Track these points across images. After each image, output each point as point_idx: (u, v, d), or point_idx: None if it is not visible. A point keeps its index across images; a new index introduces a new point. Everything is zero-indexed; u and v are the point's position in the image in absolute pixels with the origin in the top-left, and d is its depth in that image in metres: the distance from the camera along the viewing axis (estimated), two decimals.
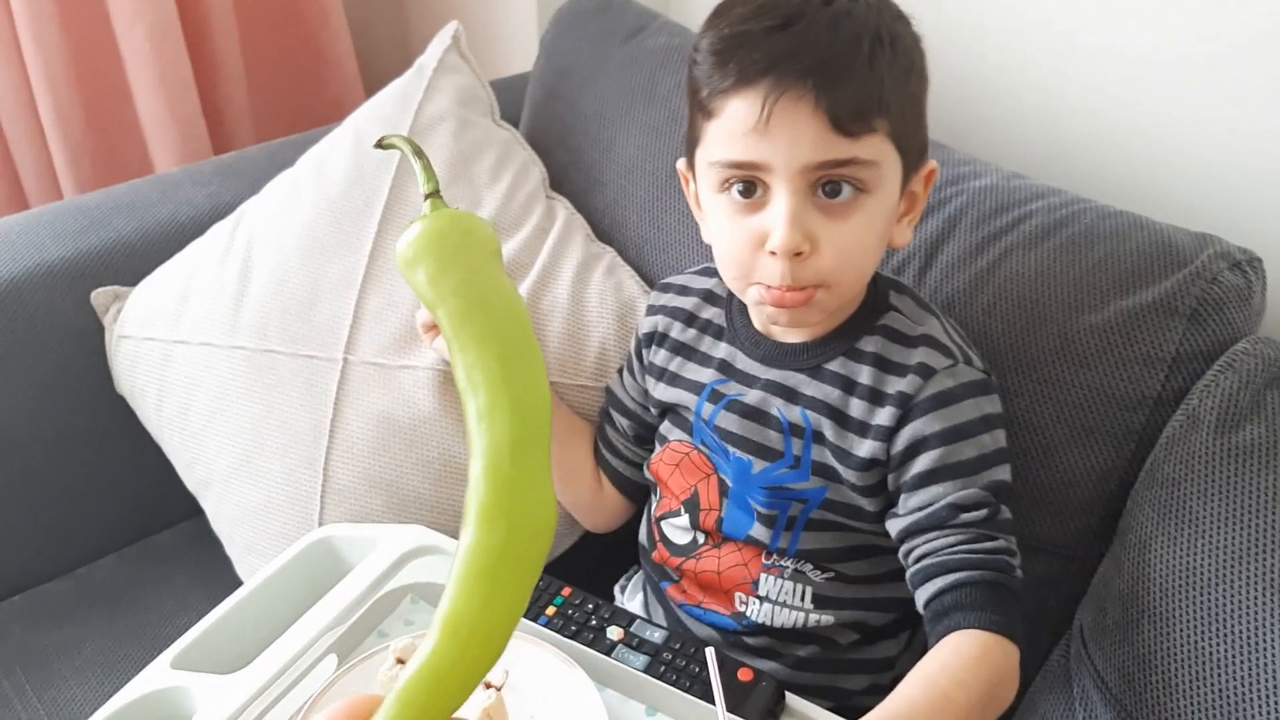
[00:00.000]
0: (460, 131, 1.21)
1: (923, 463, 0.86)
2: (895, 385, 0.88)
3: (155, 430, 1.19)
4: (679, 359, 1.00)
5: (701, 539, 0.98)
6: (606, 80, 1.28)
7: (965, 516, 0.84)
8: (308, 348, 1.11)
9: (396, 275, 1.12)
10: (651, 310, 1.04)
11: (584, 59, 1.30)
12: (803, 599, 0.94)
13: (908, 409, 0.87)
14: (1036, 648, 0.99)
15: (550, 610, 0.87)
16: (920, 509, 0.86)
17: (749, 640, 0.96)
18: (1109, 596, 0.88)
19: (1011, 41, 1.20)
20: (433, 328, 1.05)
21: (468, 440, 0.39)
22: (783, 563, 0.94)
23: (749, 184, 0.84)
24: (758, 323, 0.94)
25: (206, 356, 1.13)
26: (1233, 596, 0.79)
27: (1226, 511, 0.82)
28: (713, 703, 0.78)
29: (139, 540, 1.31)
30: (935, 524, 0.85)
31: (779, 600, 0.94)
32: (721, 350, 0.98)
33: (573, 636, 0.85)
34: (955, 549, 0.84)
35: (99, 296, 1.21)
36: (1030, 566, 0.96)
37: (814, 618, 0.94)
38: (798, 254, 0.83)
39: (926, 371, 0.88)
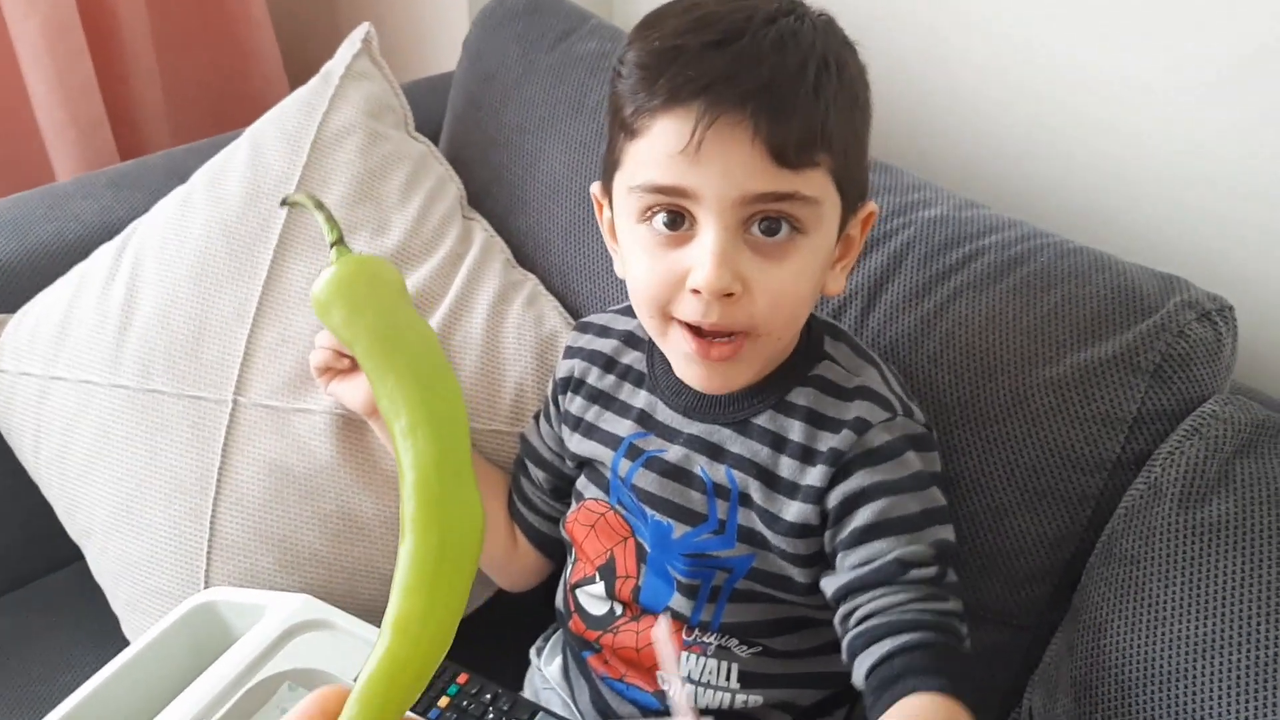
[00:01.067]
0: (369, 146, 1.11)
1: (863, 516, 0.78)
2: (828, 442, 0.79)
3: (33, 471, 1.09)
4: (596, 408, 0.91)
5: (619, 610, 0.89)
6: (532, 88, 1.18)
7: (915, 573, 0.76)
8: (194, 387, 1.01)
9: (293, 307, 1.03)
10: (569, 353, 0.95)
11: (509, 64, 1.21)
12: (728, 678, 0.86)
13: (840, 466, 0.79)
14: None
15: (443, 701, 0.79)
16: (863, 564, 0.77)
17: None
18: (1060, 681, 0.81)
19: (971, 58, 1.12)
20: (326, 372, 0.95)
21: (396, 459, 0.44)
22: (705, 639, 0.85)
23: (675, 214, 0.75)
24: (678, 369, 0.84)
25: (86, 395, 1.03)
26: (1195, 694, 0.71)
27: (1190, 596, 0.74)
28: None
29: (27, 584, 1.20)
30: (882, 580, 0.76)
31: (702, 681, 0.86)
32: (641, 399, 0.89)
33: None
34: (906, 607, 0.75)
35: None
36: (978, 636, 0.88)
37: (741, 698, 0.85)
38: (727, 295, 0.74)
39: (862, 426, 0.79)
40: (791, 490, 0.81)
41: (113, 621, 1.06)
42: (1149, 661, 0.74)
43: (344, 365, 0.94)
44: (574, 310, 1.10)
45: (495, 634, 1.05)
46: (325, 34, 1.77)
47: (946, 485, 0.82)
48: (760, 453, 0.82)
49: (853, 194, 0.79)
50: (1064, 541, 0.86)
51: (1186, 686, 0.72)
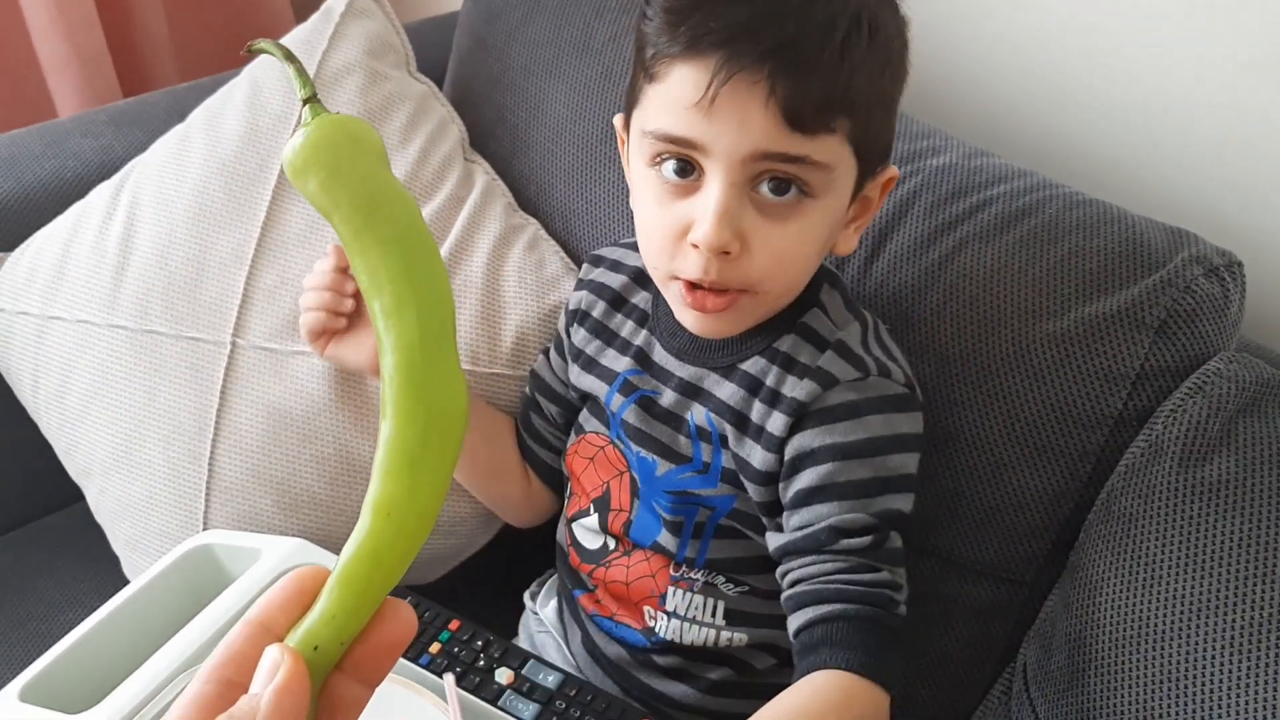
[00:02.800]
0: (369, 85, 1.09)
1: (807, 478, 0.78)
2: (793, 389, 0.79)
3: (32, 410, 1.09)
4: (598, 342, 0.91)
5: (612, 544, 0.90)
6: (537, 28, 1.15)
7: (847, 543, 0.76)
8: (192, 329, 1.00)
9: (293, 248, 1.02)
10: (579, 284, 0.95)
11: (515, 5, 1.18)
12: (714, 614, 0.86)
13: (799, 417, 0.78)
14: (979, 677, 0.91)
15: (435, 648, 0.79)
16: (800, 528, 0.77)
17: (659, 659, 0.88)
18: (1055, 637, 0.80)
19: (986, 5, 1.09)
20: (321, 335, 0.93)
21: (377, 338, 0.42)
22: (692, 574, 0.86)
23: (684, 163, 0.74)
24: (675, 312, 0.83)
25: (84, 335, 1.03)
26: (1188, 654, 0.71)
27: (1187, 556, 0.73)
28: None
29: (27, 523, 1.21)
30: (812, 547, 0.76)
31: (688, 616, 0.86)
32: (641, 338, 0.89)
33: (457, 680, 0.76)
34: (831, 578, 0.75)
35: None
36: (975, 592, 0.89)
37: (726, 635, 0.85)
38: (725, 253, 0.73)
39: (827, 380, 0.78)
40: (758, 434, 0.81)
41: (114, 560, 1.06)
42: (1144, 620, 0.74)
43: (340, 325, 0.93)
44: (575, 255, 1.08)
45: (490, 580, 1.06)
46: None
47: (925, 448, 0.81)
48: (737, 396, 0.82)
49: (873, 158, 0.77)
50: (1063, 498, 0.85)
51: (1180, 646, 0.71)
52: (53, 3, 1.39)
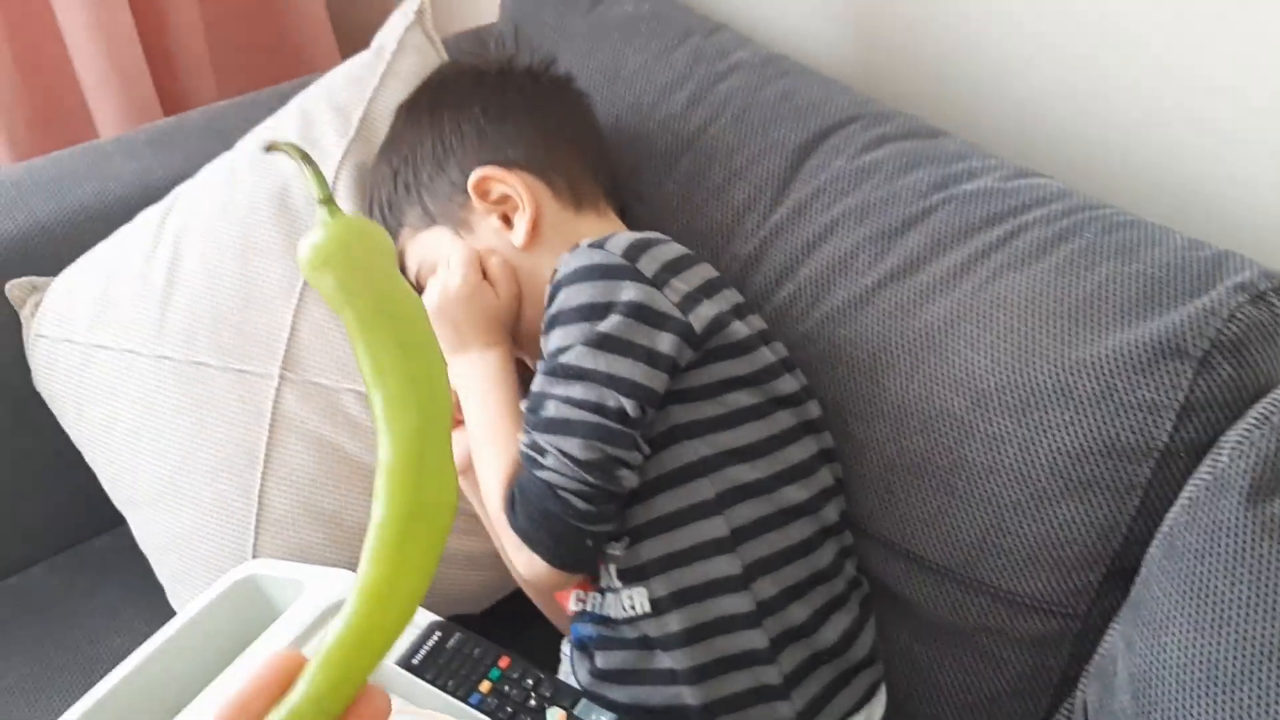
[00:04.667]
0: None
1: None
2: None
3: (76, 439, 1.10)
4: None
5: None
6: (568, 55, 1.15)
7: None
8: (241, 361, 1.01)
9: None
10: None
11: (545, 30, 1.18)
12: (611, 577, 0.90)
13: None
14: (1035, 711, 0.91)
15: (485, 686, 0.79)
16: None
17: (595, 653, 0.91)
18: (1118, 676, 0.79)
19: (1025, 21, 1.07)
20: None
21: (375, 427, 0.44)
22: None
23: None
24: None
25: (129, 365, 1.04)
26: (1260, 698, 0.69)
27: (1258, 596, 0.71)
28: None
29: (73, 546, 1.23)
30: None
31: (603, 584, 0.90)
32: None
33: (508, 719, 0.77)
34: None
35: (14, 289, 1.11)
36: (1025, 625, 0.89)
37: (628, 597, 0.88)
38: None
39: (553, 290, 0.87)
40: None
41: (160, 585, 1.07)
42: (1213, 663, 0.72)
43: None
44: None
45: (531, 620, 1.06)
46: None
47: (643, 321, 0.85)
48: None
49: (444, 212, 0.97)
50: (1113, 530, 0.84)
51: (1252, 691, 0.70)
52: (92, 20, 1.40)
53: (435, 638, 0.83)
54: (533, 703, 0.78)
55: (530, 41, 1.20)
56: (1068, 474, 0.85)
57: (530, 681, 0.80)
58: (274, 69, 1.62)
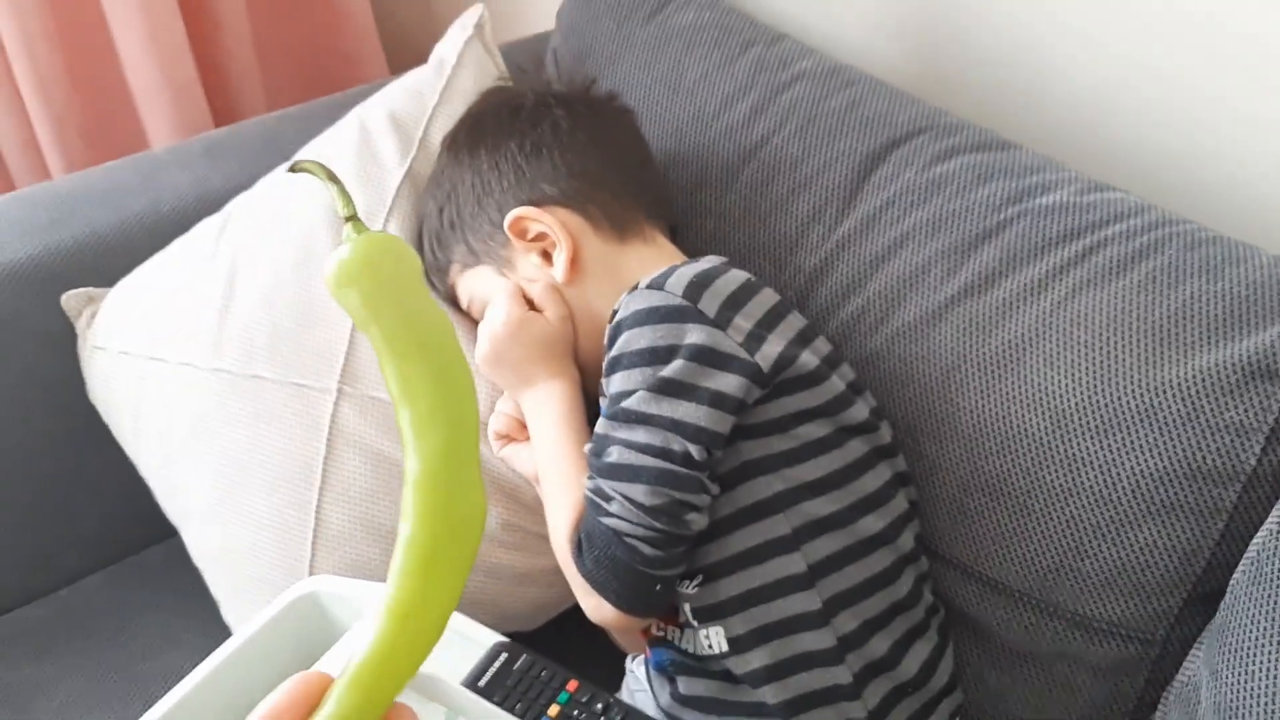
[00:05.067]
0: None
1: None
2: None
3: (132, 452, 1.10)
4: None
5: None
6: (627, 65, 1.14)
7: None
8: (298, 375, 1.00)
9: None
10: None
11: (603, 40, 1.17)
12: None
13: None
14: None
15: (553, 710, 0.78)
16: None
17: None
18: (1201, 705, 0.77)
19: (1098, 30, 1.05)
20: (503, 438, 0.97)
21: (403, 444, 0.44)
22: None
23: None
24: None
25: (186, 378, 1.03)
26: None
27: None
28: None
29: (127, 557, 1.22)
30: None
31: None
32: None
33: None
34: None
35: (70, 300, 1.11)
36: (1102, 650, 0.86)
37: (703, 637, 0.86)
38: None
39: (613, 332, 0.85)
40: None
41: (214, 598, 1.06)
42: None
43: (524, 437, 0.95)
44: None
45: (588, 639, 1.04)
46: None
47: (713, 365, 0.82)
48: None
49: (487, 250, 0.96)
50: (1195, 555, 0.82)
51: None
52: (145, 32, 1.40)
53: (502, 659, 0.81)
54: None
55: (587, 51, 1.18)
56: (1150, 497, 0.82)
57: (600, 705, 0.78)
58: (322, 80, 1.61)
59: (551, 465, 0.89)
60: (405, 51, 1.14)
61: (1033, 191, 0.94)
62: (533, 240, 0.94)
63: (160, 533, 1.20)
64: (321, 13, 1.63)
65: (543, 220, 0.93)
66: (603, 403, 0.85)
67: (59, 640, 1.13)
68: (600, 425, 0.84)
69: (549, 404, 0.91)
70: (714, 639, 0.84)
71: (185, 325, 1.04)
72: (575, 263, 0.93)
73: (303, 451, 0.98)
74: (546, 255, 0.94)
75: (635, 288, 0.86)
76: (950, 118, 1.03)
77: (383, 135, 1.07)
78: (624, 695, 1.00)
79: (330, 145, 1.10)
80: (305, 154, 1.12)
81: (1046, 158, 0.98)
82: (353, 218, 0.47)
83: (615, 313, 0.86)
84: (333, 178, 0.48)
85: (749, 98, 1.06)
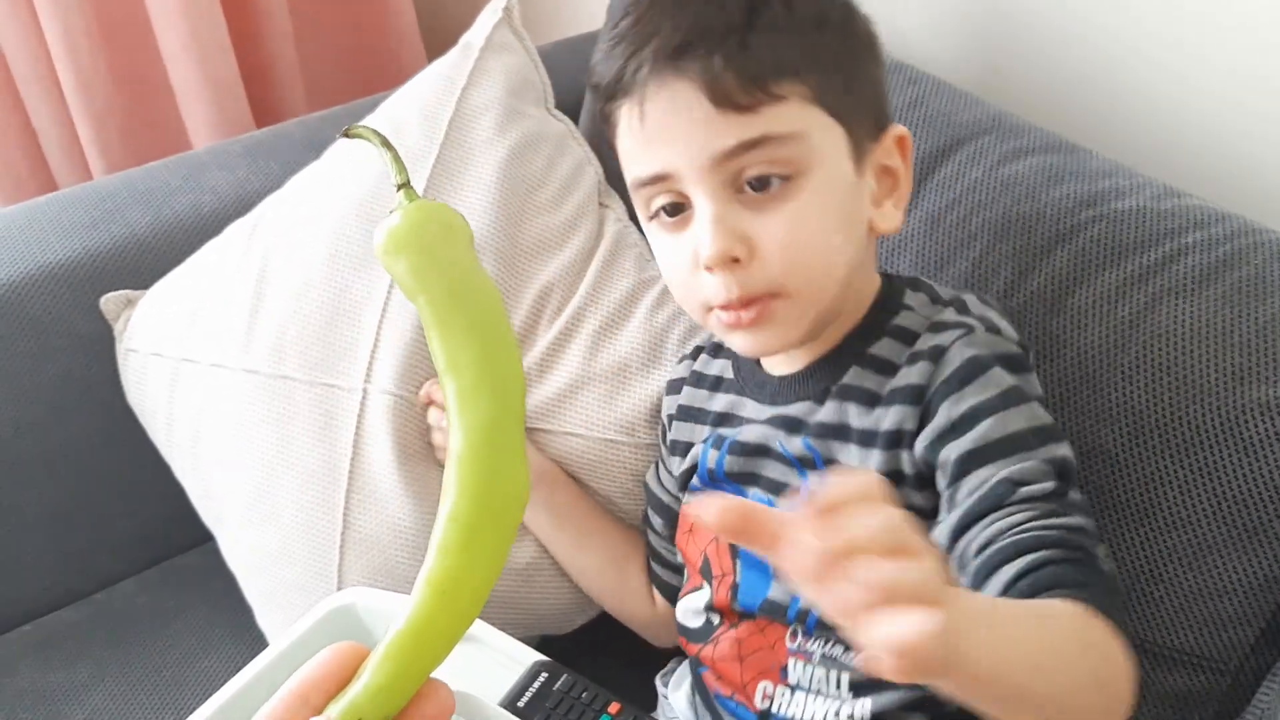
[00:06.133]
0: (507, 123, 1.04)
1: (960, 447, 0.70)
2: (903, 379, 0.74)
3: (166, 454, 1.08)
4: (689, 425, 0.89)
5: (715, 619, 0.84)
6: None
7: (1026, 490, 0.66)
8: (326, 374, 0.97)
9: None
10: (669, 389, 0.93)
11: None
12: (838, 686, 0.78)
13: (924, 403, 0.72)
14: None
15: None
16: (969, 495, 0.68)
17: None
18: None
19: (1172, 29, 1.00)
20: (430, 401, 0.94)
21: (448, 417, 0.43)
22: (809, 646, 0.79)
23: (670, 199, 0.74)
24: (730, 344, 0.81)
25: (216, 379, 1.00)
26: None
27: None
28: None
29: (163, 560, 1.20)
30: (992, 505, 0.67)
31: (812, 688, 0.79)
32: (719, 402, 0.86)
33: None
34: (1023, 528, 0.64)
35: (109, 303, 1.09)
36: (1171, 679, 0.82)
37: (849, 708, 0.77)
38: (735, 260, 0.72)
39: (936, 353, 0.73)
40: (867, 438, 0.75)
41: (249, 608, 1.04)
42: None
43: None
44: None
45: (627, 636, 1.01)
46: None
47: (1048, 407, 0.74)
48: (833, 410, 0.77)
49: (861, 119, 0.75)
50: (1274, 584, 0.76)
51: None
52: (186, 31, 1.39)
53: (542, 679, 0.78)
54: None
55: None
56: (1231, 521, 0.77)
57: None
58: (364, 79, 1.59)
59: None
60: (448, 50, 1.12)
61: (1106, 196, 0.89)
62: (883, 170, 0.79)
63: (197, 537, 1.18)
64: (364, 12, 1.61)
65: (906, 159, 0.79)
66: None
67: (93, 645, 1.11)
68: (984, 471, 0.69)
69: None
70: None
71: (216, 326, 1.02)
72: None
73: (329, 453, 0.96)
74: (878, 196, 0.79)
75: (971, 331, 0.75)
76: (1015, 119, 0.98)
77: (411, 123, 1.04)
78: (658, 715, 0.95)
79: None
80: (334, 153, 1.09)
81: (1117, 162, 0.94)
82: (405, 185, 0.46)
83: (948, 334, 0.74)
84: (386, 144, 0.47)
85: None
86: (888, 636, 0.41)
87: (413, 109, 1.06)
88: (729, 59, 0.69)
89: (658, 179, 0.73)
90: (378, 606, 0.87)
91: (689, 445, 0.88)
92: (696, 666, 0.88)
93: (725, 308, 0.74)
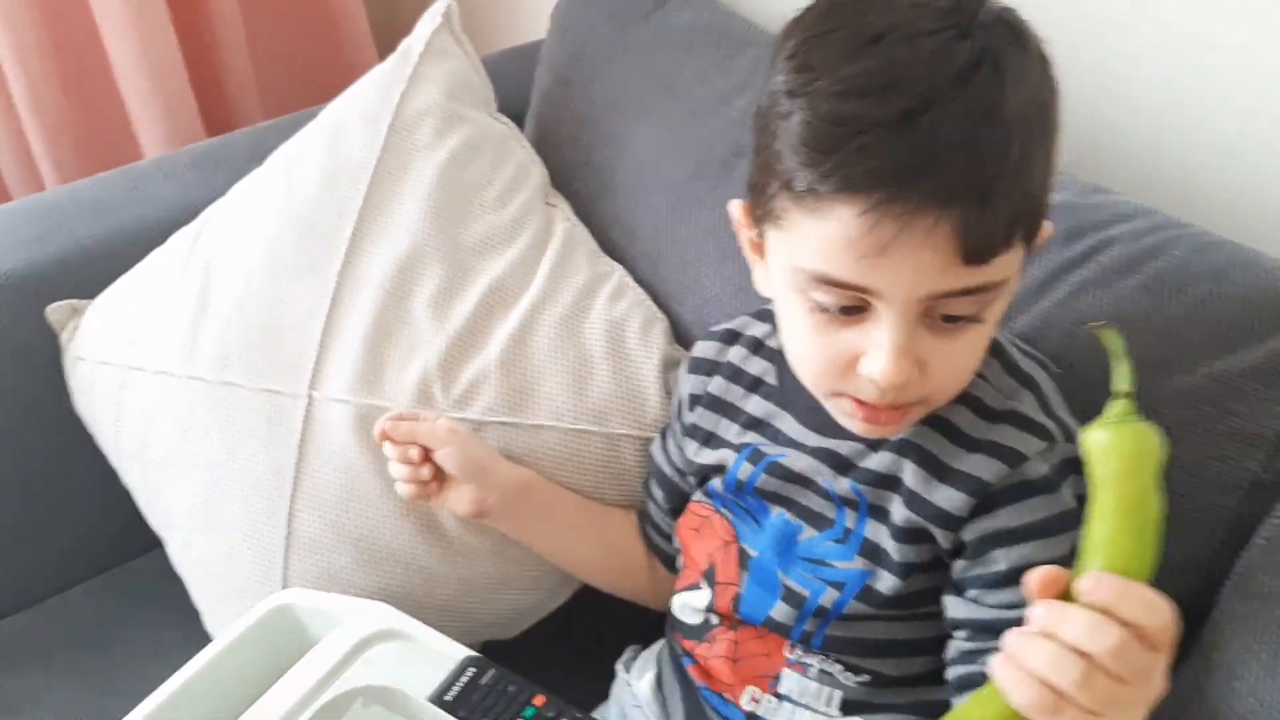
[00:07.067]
0: (447, 128, 1.06)
1: (1008, 559, 0.71)
2: (969, 465, 0.73)
3: (114, 461, 1.08)
4: (715, 416, 0.87)
5: (714, 620, 0.85)
6: (623, 65, 1.13)
7: None
8: (270, 381, 0.98)
9: (368, 298, 0.99)
10: (694, 366, 0.91)
11: (599, 40, 1.15)
12: (828, 703, 0.80)
13: (985, 498, 0.72)
14: None
15: None
16: (1005, 607, 0.71)
17: None
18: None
19: (1099, 29, 1.02)
20: (418, 498, 0.93)
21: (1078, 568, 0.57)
22: (808, 659, 0.80)
23: (852, 306, 0.68)
24: (836, 417, 0.77)
25: (163, 386, 1.01)
26: None
27: None
28: None
29: (113, 567, 1.21)
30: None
31: (801, 702, 0.81)
32: (753, 405, 0.85)
33: None
34: None
35: (55, 312, 1.10)
36: None
37: None
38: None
39: (1015, 459, 0.72)
40: (915, 502, 0.74)
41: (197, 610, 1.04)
42: None
43: (434, 489, 0.92)
44: (662, 301, 1.05)
45: (573, 641, 1.02)
46: (413, 1, 1.74)
47: None
48: (888, 461, 0.76)
49: (1037, 231, 0.70)
50: (1191, 567, 0.78)
51: None
52: (136, 43, 1.40)
53: (469, 674, 0.79)
54: None
55: (582, 51, 1.16)
56: None
57: None
58: (319, 89, 1.60)
59: None
60: None
61: None
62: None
63: (144, 544, 1.18)
64: (317, 21, 1.63)
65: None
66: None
67: (46, 651, 1.12)
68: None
69: None
70: None
71: (161, 334, 1.03)
72: None
73: (275, 459, 0.96)
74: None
75: (1035, 396, 0.76)
76: None
77: (351, 131, 1.06)
78: (612, 709, 0.96)
79: (302, 144, 1.09)
80: (275, 160, 1.10)
81: None
82: (1129, 395, 0.58)
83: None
84: (1126, 355, 0.60)
85: (745, 95, 1.04)
86: None
87: (352, 115, 1.07)
88: (997, 217, 0.63)
89: (856, 289, 0.66)
90: (316, 606, 0.89)
91: (710, 435, 0.87)
92: (682, 656, 0.88)
93: (863, 404, 0.71)
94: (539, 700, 0.77)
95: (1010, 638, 0.56)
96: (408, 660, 0.82)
